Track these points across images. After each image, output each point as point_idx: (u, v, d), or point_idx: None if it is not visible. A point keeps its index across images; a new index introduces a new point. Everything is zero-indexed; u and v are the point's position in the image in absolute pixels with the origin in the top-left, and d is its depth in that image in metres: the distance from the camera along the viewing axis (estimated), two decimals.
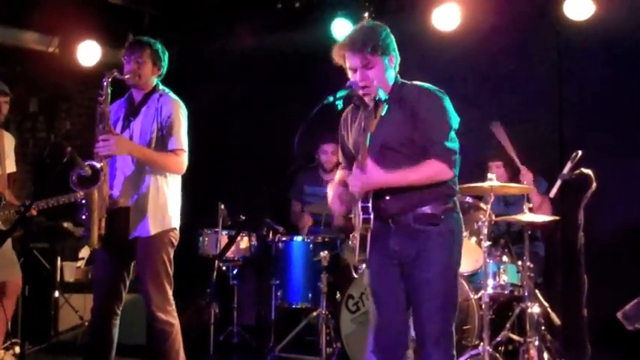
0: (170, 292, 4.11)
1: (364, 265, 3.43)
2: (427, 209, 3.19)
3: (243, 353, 5.94)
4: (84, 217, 3.98)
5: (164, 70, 4.24)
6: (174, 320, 4.10)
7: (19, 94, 6.04)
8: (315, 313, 5.48)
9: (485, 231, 4.84)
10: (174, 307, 4.12)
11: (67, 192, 4.31)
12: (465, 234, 4.78)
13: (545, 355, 4.80)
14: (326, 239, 5.73)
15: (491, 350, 4.70)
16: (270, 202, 6.37)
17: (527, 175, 5.29)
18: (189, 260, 5.07)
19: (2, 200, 4.89)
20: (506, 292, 5.05)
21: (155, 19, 6.89)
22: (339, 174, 3.54)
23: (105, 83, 4.00)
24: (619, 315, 4.52)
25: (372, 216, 3.14)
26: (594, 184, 4.21)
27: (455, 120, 3.24)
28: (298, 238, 5.76)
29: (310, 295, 5.59)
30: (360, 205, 3.17)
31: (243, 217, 5.77)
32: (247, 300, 6.27)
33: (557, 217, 5.04)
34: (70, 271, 6.53)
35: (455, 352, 3.24)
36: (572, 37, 5.79)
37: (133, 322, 5.21)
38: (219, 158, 7.02)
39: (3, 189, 4.96)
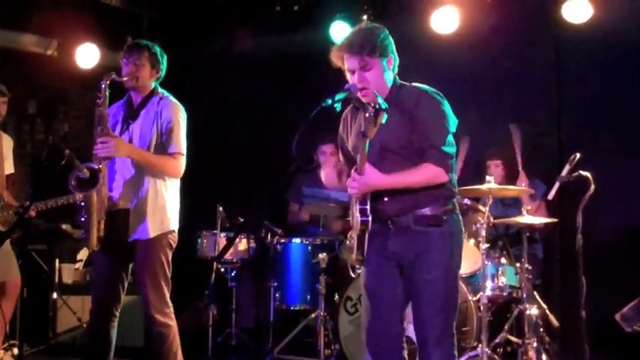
0: (168, 295, 4.11)
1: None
2: (427, 211, 3.21)
3: (242, 355, 5.94)
4: (83, 219, 3.99)
5: (162, 72, 4.24)
6: (172, 322, 4.10)
7: (18, 96, 6.03)
8: (313, 315, 5.49)
9: (483, 233, 4.85)
10: (172, 309, 4.12)
11: (66, 194, 4.31)
12: (463, 236, 4.79)
13: (544, 357, 4.80)
14: (324, 241, 5.74)
15: (489, 352, 4.71)
16: (269, 204, 6.36)
17: (522, 180, 5.32)
18: (187, 262, 5.07)
19: (1, 201, 4.89)
20: (504, 293, 5.06)
21: (154, 21, 6.89)
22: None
23: (103, 86, 4.00)
24: (617, 317, 4.53)
25: (370, 218, 3.15)
26: (592, 187, 4.22)
27: (453, 123, 3.25)
28: (297, 240, 5.76)
29: (309, 296, 5.59)
30: (357, 207, 3.18)
31: (242, 219, 5.77)
32: (246, 302, 6.26)
33: (555, 220, 5.04)
34: (68, 272, 6.52)
35: (456, 353, 3.25)
36: (570, 40, 5.81)
37: (131, 324, 5.20)
38: (217, 160, 7.03)
39: (1, 190, 4.96)
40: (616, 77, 5.71)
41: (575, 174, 4.34)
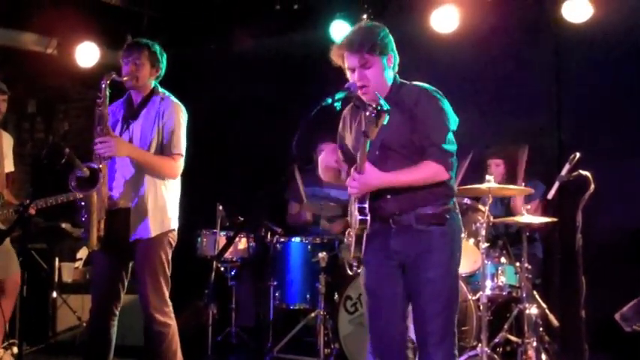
0: (167, 294, 4.11)
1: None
2: (428, 209, 3.21)
3: (241, 354, 5.94)
4: (83, 218, 3.99)
5: (162, 71, 4.24)
6: (172, 321, 4.11)
7: (18, 94, 6.03)
8: (313, 314, 5.49)
9: (483, 232, 4.85)
10: (171, 308, 4.12)
11: (66, 192, 4.30)
12: (463, 235, 4.79)
13: (543, 357, 4.80)
14: (324, 240, 5.74)
15: (489, 351, 4.71)
16: (268, 203, 6.37)
17: (518, 199, 5.36)
18: (187, 261, 5.08)
19: (1, 199, 4.89)
20: (504, 293, 5.05)
21: (153, 20, 6.89)
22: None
23: (103, 85, 4.00)
24: (617, 316, 4.54)
25: (368, 217, 3.15)
26: (592, 186, 4.22)
27: (454, 121, 3.25)
28: (296, 239, 5.77)
29: (308, 296, 5.60)
30: (356, 205, 3.18)
31: (242, 218, 5.78)
32: (245, 301, 6.26)
33: (555, 219, 5.05)
34: (68, 271, 6.52)
35: (457, 352, 3.25)
36: (570, 40, 5.81)
37: (131, 323, 5.18)
38: (217, 159, 7.03)
39: (1, 188, 4.95)
40: (616, 77, 5.70)
41: (575, 173, 4.35)
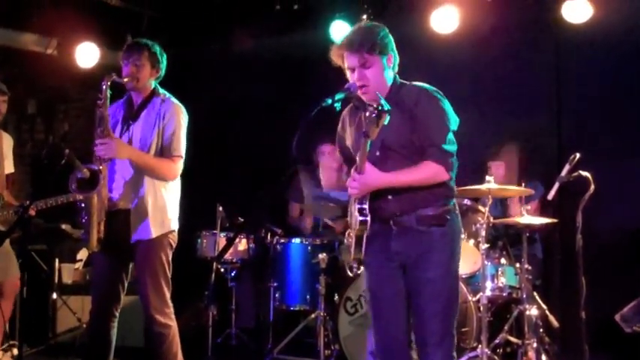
0: (168, 295, 4.11)
1: (362, 268, 3.43)
2: (429, 210, 3.21)
3: (242, 355, 5.93)
4: (83, 220, 3.99)
5: (162, 72, 4.24)
6: (172, 322, 4.10)
7: (18, 95, 6.03)
8: (313, 315, 5.48)
9: (483, 233, 4.85)
10: (171, 309, 4.12)
11: (66, 193, 4.30)
12: (463, 236, 4.79)
13: (544, 358, 4.80)
14: (324, 241, 5.73)
15: (489, 352, 4.70)
16: (269, 204, 6.36)
17: (514, 203, 5.36)
18: (187, 262, 5.07)
19: (1, 201, 4.89)
20: (504, 294, 5.05)
21: (154, 20, 6.89)
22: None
23: (104, 87, 4.00)
24: (617, 317, 4.54)
25: (368, 218, 3.15)
26: (592, 187, 4.22)
27: (454, 122, 3.24)
28: (296, 240, 5.76)
29: (308, 297, 5.59)
30: (356, 206, 3.17)
31: (242, 219, 5.77)
32: (245, 302, 6.26)
33: (555, 220, 5.04)
34: (67, 272, 6.51)
35: (455, 354, 3.25)
36: (570, 40, 5.81)
37: (131, 325, 5.19)
38: (217, 160, 7.02)
39: (1, 189, 4.95)
40: (616, 77, 5.70)
41: (575, 174, 4.35)
